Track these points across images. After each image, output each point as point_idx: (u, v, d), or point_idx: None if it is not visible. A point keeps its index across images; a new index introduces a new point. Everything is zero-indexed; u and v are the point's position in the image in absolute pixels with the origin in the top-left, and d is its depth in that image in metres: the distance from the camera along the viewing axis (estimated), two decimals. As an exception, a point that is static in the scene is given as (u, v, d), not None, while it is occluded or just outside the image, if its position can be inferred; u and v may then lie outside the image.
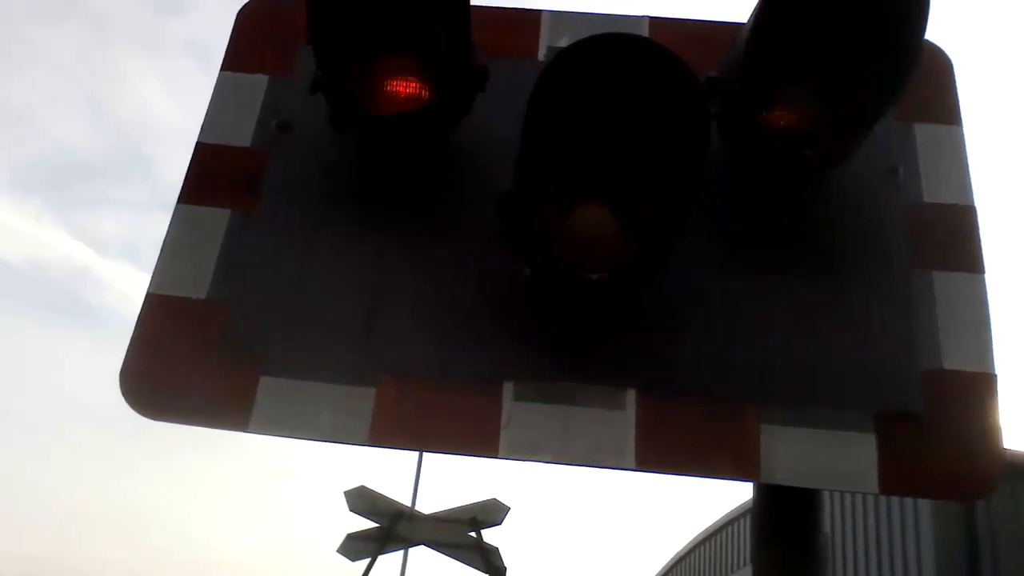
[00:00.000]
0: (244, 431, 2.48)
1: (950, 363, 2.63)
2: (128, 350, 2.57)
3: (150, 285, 2.67)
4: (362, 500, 9.87)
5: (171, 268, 2.70)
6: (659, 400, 2.54)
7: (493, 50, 2.84)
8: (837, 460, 2.50)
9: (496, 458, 2.48)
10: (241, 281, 2.67)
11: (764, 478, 2.50)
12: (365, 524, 9.33)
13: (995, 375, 2.62)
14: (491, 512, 9.98)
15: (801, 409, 2.54)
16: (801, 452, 2.50)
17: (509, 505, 9.74)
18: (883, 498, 16.74)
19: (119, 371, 2.53)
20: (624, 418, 2.51)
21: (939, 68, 3.11)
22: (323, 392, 2.52)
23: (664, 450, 2.49)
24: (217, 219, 2.78)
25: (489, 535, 9.60)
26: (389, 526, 9.72)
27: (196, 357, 2.56)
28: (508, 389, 2.54)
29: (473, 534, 9.72)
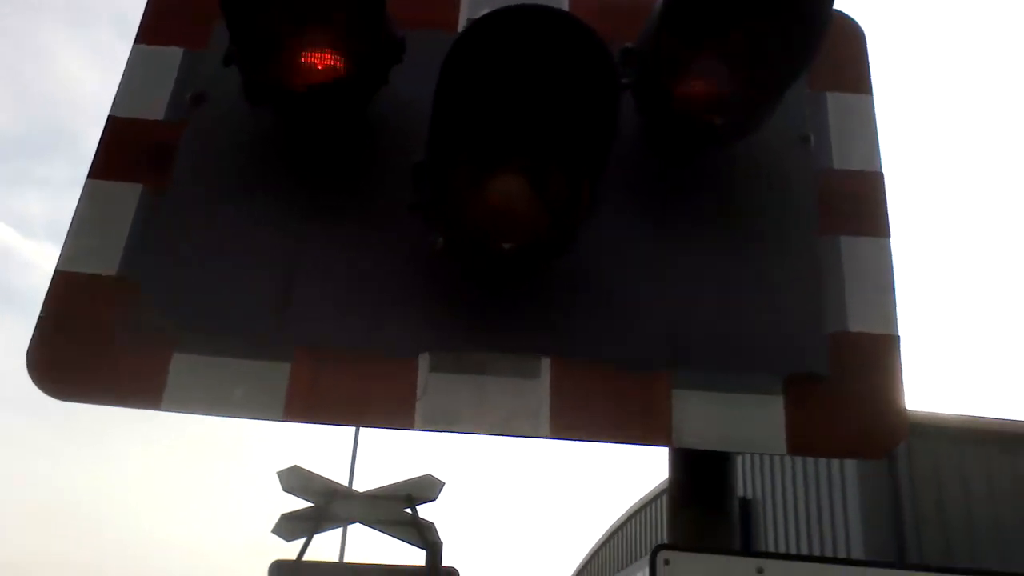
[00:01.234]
0: (156, 409, 2.45)
1: (855, 326, 2.71)
2: (35, 329, 2.52)
3: (58, 262, 2.61)
4: (296, 480, 9.76)
5: (80, 244, 2.64)
6: (572, 368, 2.57)
7: (412, 22, 2.82)
8: (746, 423, 2.57)
9: (412, 430, 2.49)
10: (152, 257, 2.63)
11: (676, 443, 2.55)
12: (302, 504, 9.26)
13: (898, 336, 2.70)
14: (426, 488, 9.94)
15: (711, 373, 2.60)
16: (711, 416, 2.56)
17: (444, 480, 9.70)
18: (810, 465, 17.10)
19: (26, 350, 2.48)
20: (538, 386, 2.54)
21: (851, 38, 3.19)
22: (237, 368, 2.50)
23: (578, 417, 2.53)
24: (128, 194, 2.73)
25: (424, 511, 9.57)
26: (324, 505, 9.64)
27: (106, 335, 2.52)
28: (424, 360, 2.54)
29: (408, 510, 9.67)
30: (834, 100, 3.08)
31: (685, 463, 2.83)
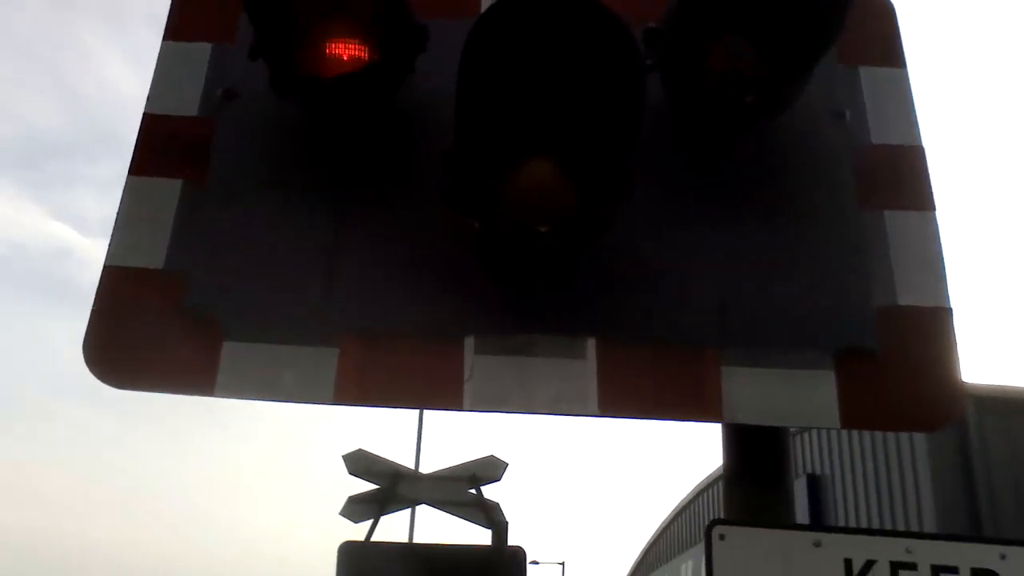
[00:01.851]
0: (211, 395, 2.51)
1: (904, 299, 2.67)
2: (89, 322, 2.58)
3: (107, 258, 2.67)
4: (361, 463, 9.88)
5: (127, 240, 2.70)
6: (619, 347, 2.57)
7: (435, 10, 2.83)
8: (798, 398, 2.56)
9: (461, 411, 2.53)
10: (197, 249, 2.68)
11: (727, 418, 2.55)
12: (368, 487, 9.38)
13: (950, 308, 2.66)
14: (490, 468, 10.00)
15: (760, 350, 2.59)
16: (762, 391, 2.55)
17: (507, 461, 9.75)
18: (880, 440, 16.90)
19: (82, 343, 2.55)
20: (585, 366, 2.55)
21: (882, 12, 3.15)
22: (287, 354, 2.55)
23: (627, 395, 2.54)
24: (169, 189, 2.78)
25: (489, 491, 9.62)
26: (389, 487, 9.73)
27: (157, 326, 2.58)
28: (469, 343, 2.57)
29: (473, 491, 9.74)
30: (867, 75, 3.05)
31: (738, 440, 2.83)
